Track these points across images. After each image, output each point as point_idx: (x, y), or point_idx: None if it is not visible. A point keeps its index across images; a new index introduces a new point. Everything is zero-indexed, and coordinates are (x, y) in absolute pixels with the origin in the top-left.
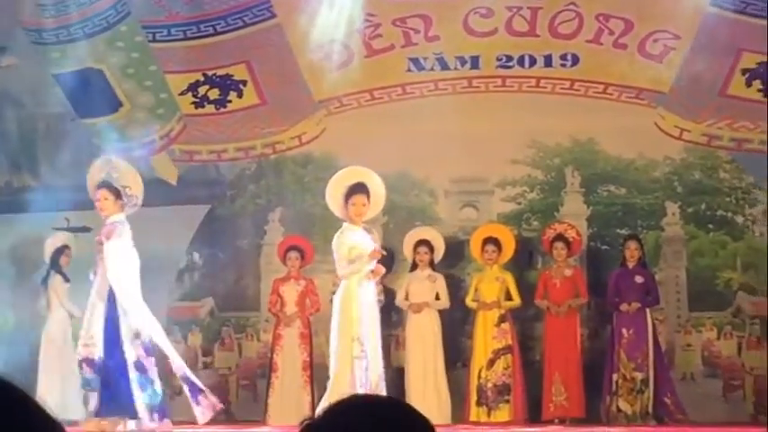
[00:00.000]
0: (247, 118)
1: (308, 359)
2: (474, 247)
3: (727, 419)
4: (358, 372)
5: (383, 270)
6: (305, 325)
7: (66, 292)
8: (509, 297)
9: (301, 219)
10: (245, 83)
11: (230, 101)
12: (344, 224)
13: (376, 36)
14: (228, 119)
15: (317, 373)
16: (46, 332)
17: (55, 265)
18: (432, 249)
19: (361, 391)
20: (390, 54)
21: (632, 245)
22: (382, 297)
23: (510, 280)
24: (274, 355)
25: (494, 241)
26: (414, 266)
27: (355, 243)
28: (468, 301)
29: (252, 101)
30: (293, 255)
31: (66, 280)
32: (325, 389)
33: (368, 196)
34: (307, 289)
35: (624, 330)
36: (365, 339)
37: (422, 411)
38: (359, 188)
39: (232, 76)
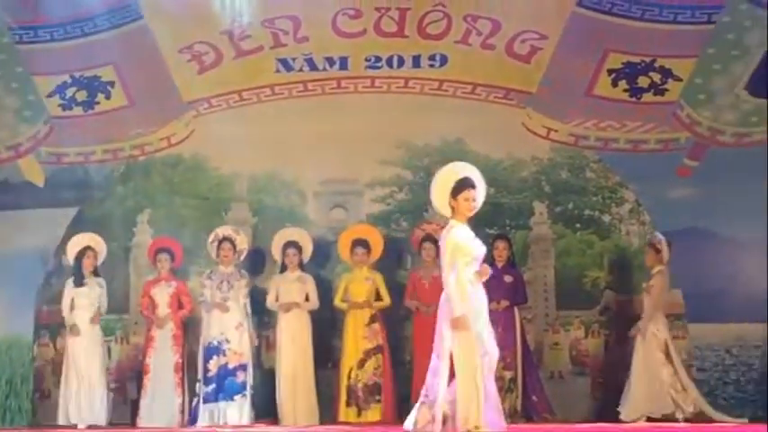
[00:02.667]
0: (115, 119)
1: (180, 361)
2: (343, 248)
3: (595, 417)
4: (485, 369)
5: (489, 270)
6: (177, 326)
7: (76, 296)
8: (379, 297)
9: (170, 220)
10: (112, 84)
11: (98, 102)
12: (452, 222)
13: (245, 37)
14: (96, 120)
15: (189, 375)
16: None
17: (76, 268)
18: (300, 250)
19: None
20: (259, 55)
21: (501, 244)
22: (248, 300)
23: (379, 280)
24: (146, 358)
25: (363, 242)
26: (283, 268)
27: (463, 241)
28: (338, 302)
29: (120, 102)
30: (163, 256)
31: (78, 284)
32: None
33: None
34: (178, 290)
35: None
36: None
37: (290, 411)
38: (467, 183)
39: (100, 77)
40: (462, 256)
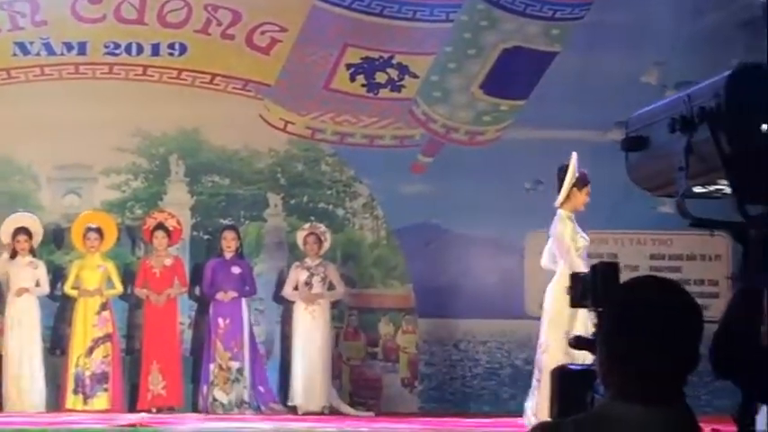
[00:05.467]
0: None
1: None
2: (75, 235)
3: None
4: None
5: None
6: None
7: None
8: (112, 285)
9: None
10: None
11: None
12: (562, 213)
13: None
14: None
15: None
16: None
17: None
18: (31, 236)
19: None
20: None
21: (229, 235)
22: None
23: (112, 268)
24: None
25: (96, 229)
26: (14, 253)
27: (576, 230)
28: (68, 289)
29: None
30: None
31: None
32: None
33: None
34: None
35: (221, 320)
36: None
37: (15, 398)
38: (587, 179)
39: None
40: (575, 246)
